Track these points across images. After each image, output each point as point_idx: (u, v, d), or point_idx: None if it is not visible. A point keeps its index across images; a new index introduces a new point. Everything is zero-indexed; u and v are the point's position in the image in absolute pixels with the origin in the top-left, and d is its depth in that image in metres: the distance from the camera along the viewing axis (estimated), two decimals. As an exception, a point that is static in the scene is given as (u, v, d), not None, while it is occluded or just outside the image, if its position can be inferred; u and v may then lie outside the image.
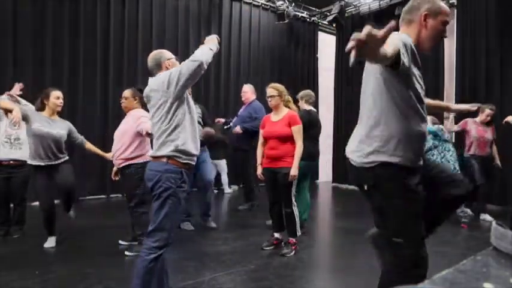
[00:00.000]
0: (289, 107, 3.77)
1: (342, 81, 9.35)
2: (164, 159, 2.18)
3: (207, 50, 2.28)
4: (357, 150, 1.81)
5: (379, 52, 1.25)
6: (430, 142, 4.62)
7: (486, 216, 5.06)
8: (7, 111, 3.40)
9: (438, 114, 5.03)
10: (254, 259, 3.44)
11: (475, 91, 6.59)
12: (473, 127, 5.14)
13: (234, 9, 8.23)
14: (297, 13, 9.09)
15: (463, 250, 3.79)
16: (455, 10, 7.22)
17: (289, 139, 3.59)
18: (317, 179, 9.57)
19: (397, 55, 1.43)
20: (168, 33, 7.22)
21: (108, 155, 3.84)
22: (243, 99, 5.59)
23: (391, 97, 1.66)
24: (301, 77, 9.37)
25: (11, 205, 4.19)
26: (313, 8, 9.40)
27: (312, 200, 7.24)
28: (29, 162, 3.60)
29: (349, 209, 6.25)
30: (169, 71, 2.23)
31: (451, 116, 5.09)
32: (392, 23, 1.19)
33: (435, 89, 7.10)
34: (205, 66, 2.21)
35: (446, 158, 4.61)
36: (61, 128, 3.67)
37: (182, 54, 6.61)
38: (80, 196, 6.17)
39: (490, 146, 5.17)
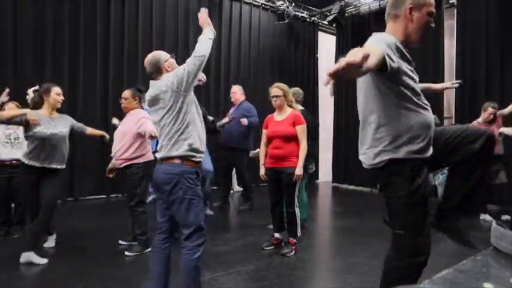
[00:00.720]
0: (292, 107, 3.75)
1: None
2: (177, 161, 2.20)
3: (206, 41, 2.30)
4: (365, 153, 1.84)
5: (361, 71, 1.27)
6: None
7: (486, 216, 5.06)
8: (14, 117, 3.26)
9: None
10: (254, 259, 3.44)
11: (475, 91, 6.58)
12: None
13: (234, 9, 8.23)
14: (297, 13, 9.09)
15: (463, 250, 3.78)
16: (455, 10, 7.22)
17: (293, 139, 3.58)
18: (317, 179, 9.57)
19: (382, 60, 1.45)
20: (168, 33, 7.22)
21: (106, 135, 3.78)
22: (232, 100, 5.60)
23: (386, 97, 1.69)
24: (301, 77, 9.36)
25: (12, 205, 4.19)
26: (313, 8, 9.39)
27: (312, 200, 7.25)
28: (24, 161, 3.30)
29: (349, 209, 6.25)
30: (175, 71, 2.25)
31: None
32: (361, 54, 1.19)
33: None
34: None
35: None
36: (63, 126, 3.46)
37: (182, 54, 6.64)
38: (80, 196, 6.18)
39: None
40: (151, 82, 2.35)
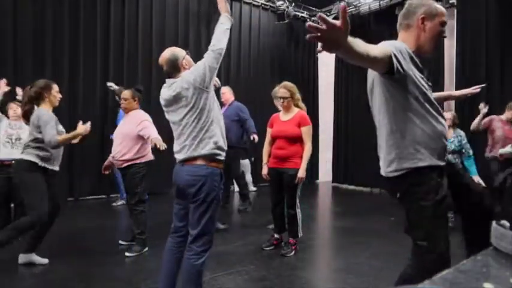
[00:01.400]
0: (298, 106, 3.69)
1: (341, 81, 9.35)
2: (202, 162, 2.14)
3: (223, 33, 2.25)
4: (381, 159, 1.84)
5: (347, 44, 1.23)
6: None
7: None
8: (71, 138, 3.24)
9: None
10: (254, 259, 3.44)
11: (475, 91, 6.58)
12: (499, 126, 4.78)
13: (234, 9, 8.22)
14: (297, 13, 9.09)
15: (463, 250, 3.78)
16: (455, 10, 7.22)
17: (298, 140, 3.54)
18: (317, 179, 9.58)
19: (390, 61, 1.46)
20: (168, 33, 7.21)
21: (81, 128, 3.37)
22: (222, 100, 5.60)
23: (398, 103, 1.68)
24: (301, 76, 9.36)
25: (12, 205, 4.19)
26: (313, 8, 9.39)
27: (312, 200, 7.25)
28: (38, 163, 3.06)
29: (349, 209, 6.25)
30: (194, 68, 2.20)
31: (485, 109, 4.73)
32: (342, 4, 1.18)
33: (435, 89, 7.08)
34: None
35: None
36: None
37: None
38: (80, 196, 6.18)
39: None
40: (168, 81, 2.26)
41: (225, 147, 2.26)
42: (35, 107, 3.21)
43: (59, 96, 3.32)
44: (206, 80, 2.14)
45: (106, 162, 3.76)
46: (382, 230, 4.57)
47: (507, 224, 0.82)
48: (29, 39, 5.74)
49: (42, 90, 3.16)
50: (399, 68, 1.50)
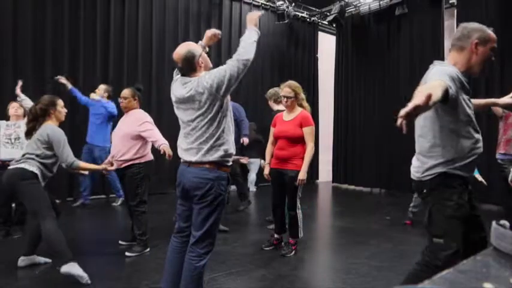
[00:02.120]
0: (302, 106, 3.62)
1: (341, 81, 9.36)
2: (212, 166, 2.11)
3: (251, 44, 2.13)
4: (417, 167, 2.02)
5: (427, 107, 1.46)
6: None
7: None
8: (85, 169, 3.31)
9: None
10: (254, 259, 3.44)
11: (475, 91, 6.57)
12: None
13: (234, 9, 8.23)
14: (297, 13, 9.09)
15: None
16: (455, 10, 7.22)
17: (299, 140, 3.47)
18: (317, 179, 9.58)
19: (446, 93, 1.64)
20: (168, 33, 7.21)
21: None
22: None
23: (444, 122, 1.88)
24: (301, 76, 9.35)
25: (12, 205, 4.19)
26: (313, 8, 9.39)
27: (312, 200, 7.26)
28: (37, 174, 2.97)
29: (349, 209, 6.24)
30: (214, 72, 2.09)
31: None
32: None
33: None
34: None
35: None
36: None
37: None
38: (80, 196, 6.17)
39: None
40: (183, 79, 2.18)
41: (234, 153, 2.24)
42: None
43: (65, 111, 3.26)
44: (223, 88, 2.05)
45: (106, 161, 3.71)
46: (382, 230, 4.57)
47: (507, 224, 0.83)
48: (29, 39, 5.74)
49: (48, 107, 3.11)
50: (452, 95, 1.70)
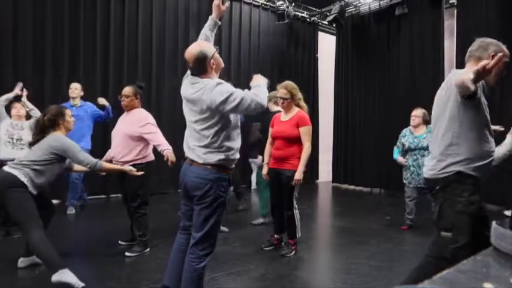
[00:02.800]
0: (299, 106, 3.62)
1: (341, 81, 9.36)
2: (213, 167, 2.11)
3: (265, 93, 2.11)
4: (432, 165, 2.09)
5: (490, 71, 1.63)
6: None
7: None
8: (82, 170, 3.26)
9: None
10: (254, 259, 3.44)
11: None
12: None
13: (234, 9, 8.23)
14: (297, 13, 9.10)
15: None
16: (455, 10, 7.22)
17: (296, 140, 3.48)
18: (317, 179, 9.58)
19: (476, 87, 1.75)
20: (168, 33, 7.22)
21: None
22: None
23: (464, 122, 1.95)
24: (301, 76, 9.37)
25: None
26: (313, 8, 9.40)
27: (312, 200, 7.26)
28: (30, 190, 2.81)
29: (348, 209, 6.25)
30: (225, 90, 2.01)
31: None
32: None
33: (435, 89, 7.09)
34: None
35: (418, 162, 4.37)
36: None
37: (182, 55, 6.61)
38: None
39: None
40: (191, 78, 2.17)
41: (237, 157, 2.22)
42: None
43: (73, 120, 3.20)
44: (227, 109, 2.02)
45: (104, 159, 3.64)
46: (382, 230, 4.58)
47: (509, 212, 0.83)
48: (29, 39, 5.74)
49: (57, 117, 3.05)
50: (479, 94, 1.81)
